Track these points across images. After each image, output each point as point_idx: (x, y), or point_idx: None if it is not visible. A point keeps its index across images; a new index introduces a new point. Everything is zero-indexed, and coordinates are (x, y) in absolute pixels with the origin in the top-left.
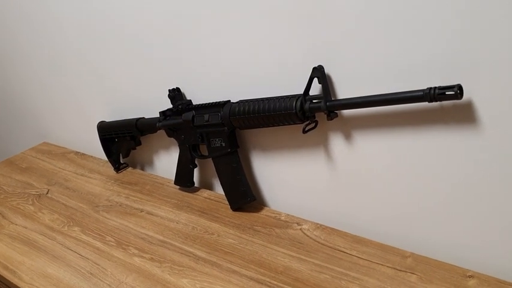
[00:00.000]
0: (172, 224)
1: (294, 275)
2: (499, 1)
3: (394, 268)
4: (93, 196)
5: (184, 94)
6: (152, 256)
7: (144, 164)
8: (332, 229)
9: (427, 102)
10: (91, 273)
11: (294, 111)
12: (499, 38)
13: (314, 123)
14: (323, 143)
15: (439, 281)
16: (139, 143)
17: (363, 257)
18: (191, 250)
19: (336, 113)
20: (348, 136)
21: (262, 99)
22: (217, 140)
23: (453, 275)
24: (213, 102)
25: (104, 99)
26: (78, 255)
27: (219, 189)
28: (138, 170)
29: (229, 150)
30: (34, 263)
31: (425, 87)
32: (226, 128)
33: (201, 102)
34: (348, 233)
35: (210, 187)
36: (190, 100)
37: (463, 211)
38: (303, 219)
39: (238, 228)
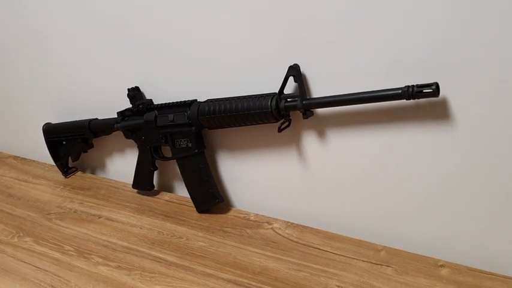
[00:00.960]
0: (136, 230)
1: (272, 274)
2: (474, 2)
3: (370, 262)
4: (42, 203)
5: (143, 93)
6: (119, 264)
7: (95, 168)
8: (303, 227)
9: (403, 100)
10: (52, 286)
11: (269, 110)
12: (471, 37)
13: (288, 122)
14: (295, 142)
15: (414, 272)
16: (92, 146)
17: (337, 253)
18: (160, 255)
19: (312, 111)
20: (321, 134)
21: (233, 98)
22: (182, 140)
23: (426, 266)
24: (177, 102)
25: (48, 100)
26: (34, 268)
27: (180, 192)
28: (89, 174)
29: (196, 151)
30: None
31: (400, 86)
32: (193, 128)
33: (163, 102)
34: (320, 229)
35: (170, 190)
36: (151, 100)
37: (434, 205)
38: (273, 218)
39: (208, 231)
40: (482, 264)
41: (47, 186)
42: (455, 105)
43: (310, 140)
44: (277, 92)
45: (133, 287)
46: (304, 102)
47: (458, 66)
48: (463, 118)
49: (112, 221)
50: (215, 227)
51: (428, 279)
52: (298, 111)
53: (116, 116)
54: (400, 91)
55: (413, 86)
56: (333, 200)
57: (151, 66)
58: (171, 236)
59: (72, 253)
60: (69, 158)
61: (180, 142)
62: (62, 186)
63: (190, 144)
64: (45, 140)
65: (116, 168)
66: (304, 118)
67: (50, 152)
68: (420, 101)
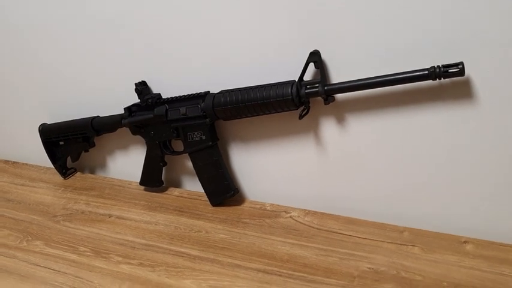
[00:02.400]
0: (151, 226)
1: (300, 261)
2: None
3: (395, 243)
4: (45, 206)
5: (150, 88)
6: (141, 261)
7: (94, 168)
8: (322, 213)
9: (423, 82)
10: None
11: (290, 97)
12: (491, 16)
13: (307, 109)
14: (313, 129)
15: (440, 250)
16: (93, 144)
17: (362, 236)
18: (182, 250)
19: (333, 97)
20: (340, 119)
21: (251, 88)
22: (196, 133)
23: (450, 243)
24: (189, 94)
25: (39, 100)
26: (51, 271)
27: (188, 186)
28: (89, 174)
29: (210, 143)
30: None
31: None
32: (207, 120)
33: (172, 96)
34: (339, 215)
35: (178, 185)
36: (160, 94)
37: (454, 185)
38: (290, 207)
39: (226, 223)
40: (504, 239)
41: (47, 188)
42: (478, 84)
43: (328, 126)
44: (295, 79)
45: (161, 283)
46: (326, 88)
47: (477, 47)
48: (485, 95)
49: (124, 219)
50: (233, 219)
51: (455, 256)
52: (317, 98)
53: (120, 113)
54: (426, 72)
55: (439, 66)
56: (353, 184)
57: (158, 60)
58: (190, 230)
59: (89, 254)
60: (67, 158)
61: (192, 135)
62: (62, 188)
63: (204, 137)
64: (42, 141)
65: (117, 167)
66: (325, 104)
67: (48, 154)
68: (443, 81)
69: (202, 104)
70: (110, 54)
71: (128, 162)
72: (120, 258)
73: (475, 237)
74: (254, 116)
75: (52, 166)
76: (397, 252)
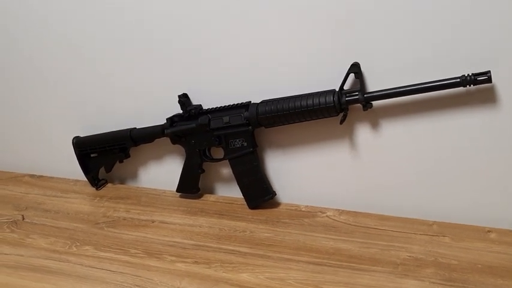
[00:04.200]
0: (196, 229)
1: (345, 253)
2: None
3: (427, 234)
4: (85, 215)
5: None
6: (195, 260)
7: (124, 178)
8: (355, 212)
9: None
10: (137, 286)
11: (332, 104)
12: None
13: (345, 115)
14: (348, 133)
15: (468, 239)
16: (129, 156)
17: (396, 230)
18: (232, 248)
19: (372, 104)
20: (374, 124)
21: (293, 97)
22: (237, 140)
23: (475, 233)
24: (231, 105)
25: (67, 115)
26: (109, 271)
27: (221, 192)
28: (121, 185)
29: (251, 149)
30: (58, 287)
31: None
32: (250, 127)
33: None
34: (371, 213)
35: (211, 191)
36: (201, 105)
37: (478, 181)
38: (324, 208)
39: (267, 223)
40: None
41: (82, 199)
42: (502, 89)
43: (362, 130)
44: (334, 88)
45: (219, 277)
46: (365, 95)
47: (501, 57)
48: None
49: (167, 223)
50: (273, 220)
51: (483, 243)
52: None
53: (158, 124)
54: (459, 80)
55: (469, 74)
56: (384, 185)
57: (198, 71)
58: (234, 231)
59: (142, 255)
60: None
61: (234, 142)
62: (98, 198)
63: (245, 144)
64: (76, 154)
65: (150, 177)
66: (364, 110)
67: (81, 165)
68: (470, 88)
69: (245, 113)
70: (143, 71)
71: (161, 172)
72: (173, 258)
73: (497, 227)
74: (296, 122)
75: (80, 178)
76: (430, 242)
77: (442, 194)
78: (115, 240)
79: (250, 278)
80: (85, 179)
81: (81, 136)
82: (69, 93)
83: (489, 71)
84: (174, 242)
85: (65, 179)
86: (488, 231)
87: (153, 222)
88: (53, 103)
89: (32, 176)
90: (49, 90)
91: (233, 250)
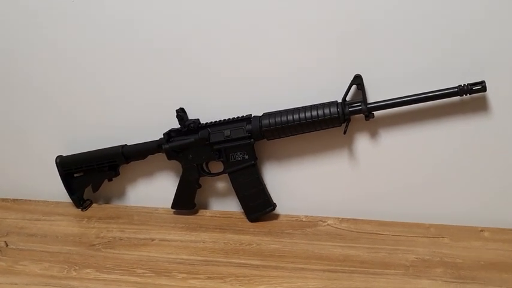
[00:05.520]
0: (200, 244)
1: (356, 259)
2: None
3: (427, 237)
4: (76, 237)
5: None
6: (207, 275)
7: (111, 198)
8: (354, 219)
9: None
10: None
11: (336, 115)
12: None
13: (347, 125)
14: (347, 143)
15: (465, 238)
16: (118, 173)
17: (398, 234)
18: (242, 261)
19: (373, 114)
20: (373, 134)
21: (297, 109)
22: (238, 153)
23: (470, 233)
24: (232, 118)
25: (49, 134)
26: None
27: (215, 207)
28: (106, 205)
29: (252, 162)
30: None
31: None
32: (252, 140)
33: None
34: (370, 219)
35: (205, 207)
36: (198, 119)
37: (471, 185)
38: (324, 217)
39: (272, 235)
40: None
41: (68, 221)
42: (495, 98)
43: (362, 140)
44: (336, 100)
45: None
46: (368, 106)
47: (494, 67)
48: (499, 107)
49: (168, 241)
50: (276, 231)
51: (479, 242)
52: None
53: (148, 141)
54: (456, 89)
55: (465, 84)
56: (382, 191)
57: (197, 87)
58: (240, 244)
59: (150, 274)
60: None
61: (235, 155)
62: (86, 219)
63: (247, 156)
64: (60, 173)
65: (138, 195)
66: (366, 120)
67: (65, 186)
68: (464, 97)
69: (247, 126)
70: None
71: (151, 189)
72: (184, 275)
73: (488, 226)
74: (299, 134)
75: (61, 200)
76: (432, 244)
77: (437, 197)
78: (117, 261)
79: None
80: (66, 200)
81: (64, 155)
82: (50, 111)
83: (484, 81)
84: (181, 259)
85: (44, 201)
86: (481, 231)
87: (152, 240)
88: (31, 123)
89: (4, 199)
90: (38, 109)
91: (244, 263)
